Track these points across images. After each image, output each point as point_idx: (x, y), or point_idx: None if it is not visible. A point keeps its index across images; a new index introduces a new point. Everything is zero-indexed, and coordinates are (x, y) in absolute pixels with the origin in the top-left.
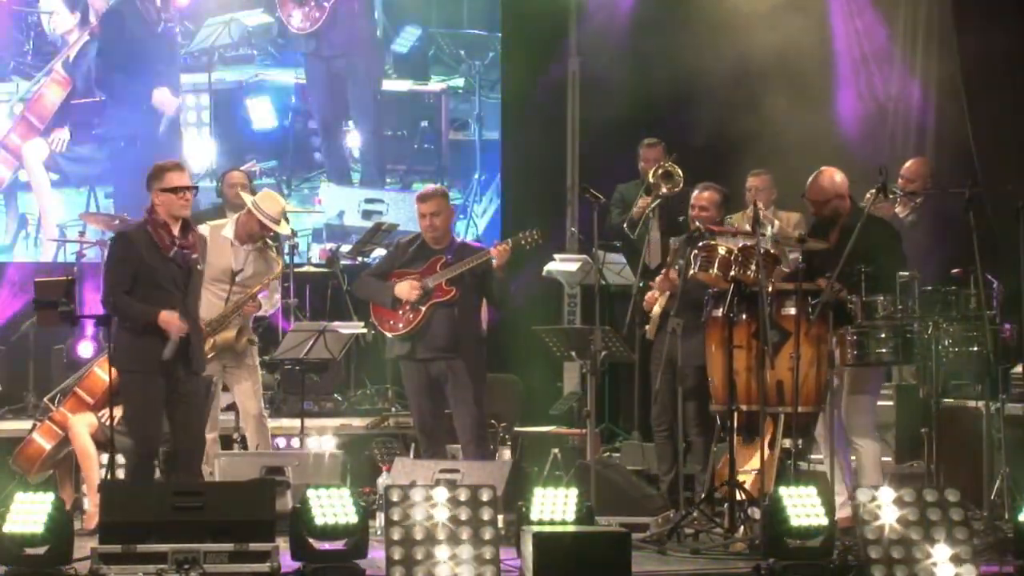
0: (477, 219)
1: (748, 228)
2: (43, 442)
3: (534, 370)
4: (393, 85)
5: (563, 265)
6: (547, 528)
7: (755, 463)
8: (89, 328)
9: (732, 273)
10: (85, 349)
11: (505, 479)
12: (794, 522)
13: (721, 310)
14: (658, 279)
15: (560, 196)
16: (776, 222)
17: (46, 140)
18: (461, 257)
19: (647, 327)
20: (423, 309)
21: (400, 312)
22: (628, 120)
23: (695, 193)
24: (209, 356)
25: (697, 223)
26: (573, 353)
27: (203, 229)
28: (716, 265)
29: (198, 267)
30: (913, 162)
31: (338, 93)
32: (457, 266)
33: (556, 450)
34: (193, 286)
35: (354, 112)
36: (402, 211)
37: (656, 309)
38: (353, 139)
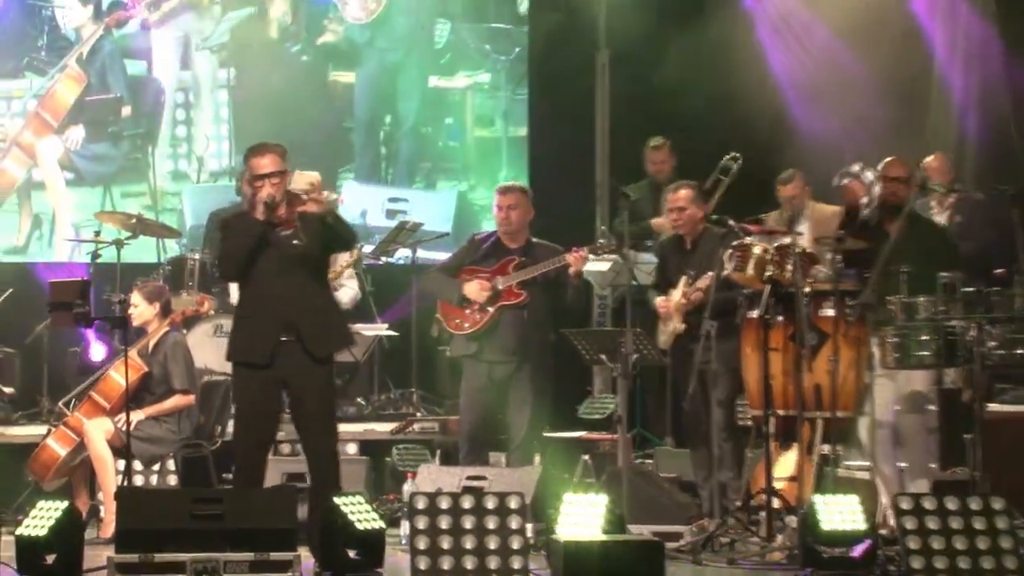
0: None
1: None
2: (58, 448)
3: (563, 374)
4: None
5: (593, 265)
6: (577, 537)
7: (793, 470)
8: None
9: (768, 273)
10: (97, 352)
11: (534, 486)
12: (832, 530)
13: (756, 312)
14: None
15: (589, 194)
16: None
17: (60, 138)
18: (535, 259)
19: (661, 336)
20: (491, 310)
21: (467, 311)
22: (661, 114)
23: (668, 195)
24: None
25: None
26: (603, 356)
27: None
28: (751, 265)
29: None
30: (935, 157)
31: (385, 87)
32: (530, 269)
33: (586, 456)
34: None
35: (400, 108)
36: (426, 210)
37: (674, 326)
38: (390, 136)
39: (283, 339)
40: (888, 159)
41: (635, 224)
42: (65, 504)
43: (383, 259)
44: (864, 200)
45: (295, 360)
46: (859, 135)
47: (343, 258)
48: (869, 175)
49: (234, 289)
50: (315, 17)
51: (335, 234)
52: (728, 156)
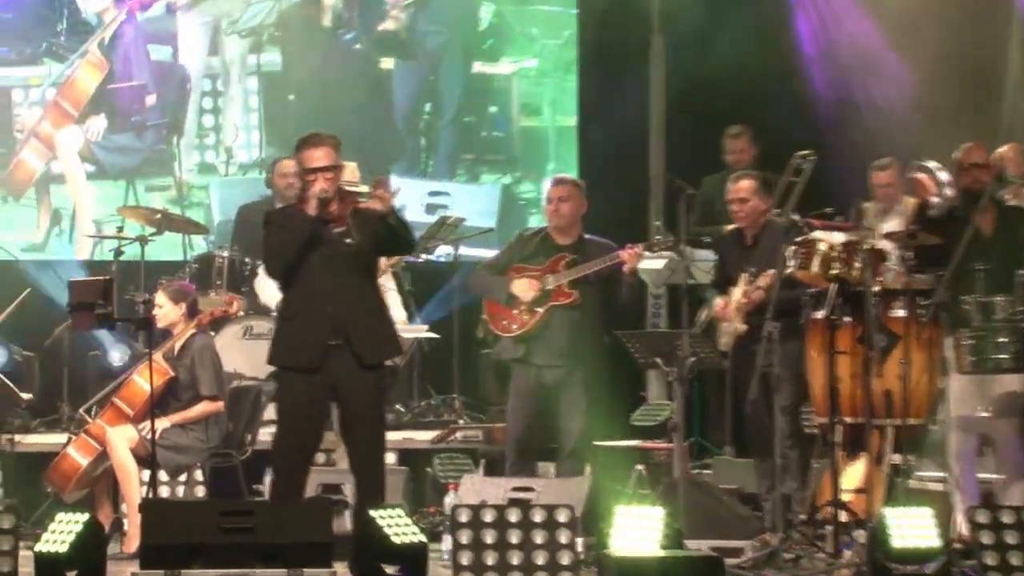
0: None
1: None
2: (79, 457)
3: (616, 378)
4: None
5: (647, 263)
6: (631, 552)
7: (861, 481)
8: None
9: (834, 271)
10: (117, 356)
11: (584, 498)
12: (904, 545)
13: (822, 312)
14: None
15: (643, 187)
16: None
17: (81, 128)
18: (588, 257)
19: (721, 338)
20: (540, 311)
21: (515, 311)
22: (719, 101)
23: (729, 186)
24: None
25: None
26: (658, 360)
27: None
28: (816, 262)
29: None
30: (1011, 147)
31: (426, 73)
32: (582, 267)
33: (640, 466)
34: None
35: (442, 95)
36: (469, 204)
37: (734, 327)
38: (430, 126)
39: (332, 343)
40: (967, 145)
41: (707, 221)
42: (86, 517)
43: (423, 256)
44: (934, 199)
45: (344, 365)
46: (923, 118)
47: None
48: (944, 175)
49: (262, 289)
50: (374, 3)
51: (395, 235)
52: (799, 155)
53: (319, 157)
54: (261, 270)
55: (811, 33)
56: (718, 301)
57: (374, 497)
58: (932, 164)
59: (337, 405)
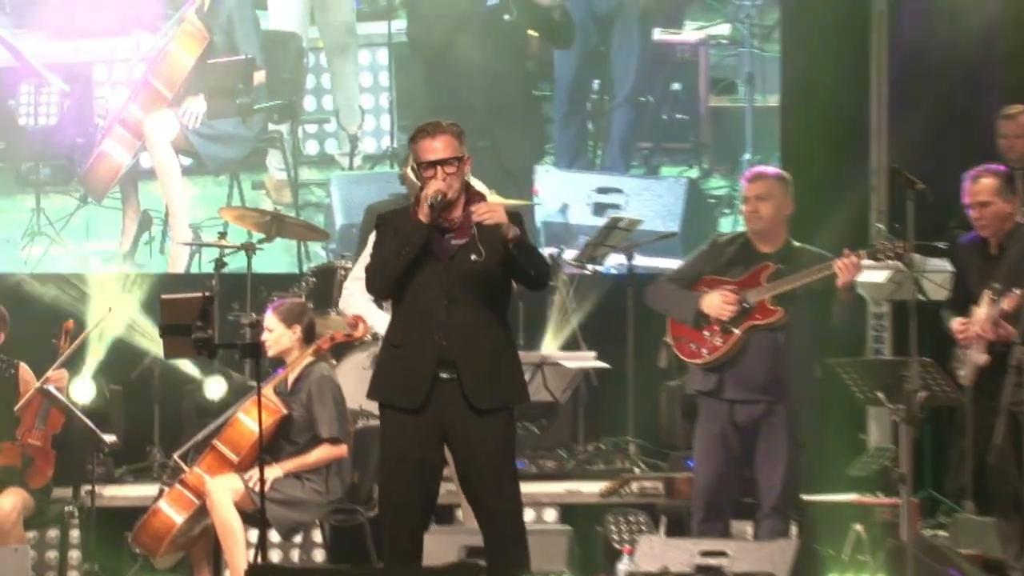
0: None
1: None
2: (173, 514)
3: (827, 417)
4: None
5: (867, 275)
6: None
7: None
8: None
9: None
10: (215, 390)
11: (790, 565)
12: None
13: None
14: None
15: (861, 181)
16: None
17: (176, 113)
18: (796, 267)
19: (960, 370)
20: (737, 332)
21: (706, 333)
22: (959, 77)
23: (967, 186)
24: None
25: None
26: (881, 394)
27: None
28: None
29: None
30: None
31: (594, 44)
32: (788, 279)
33: (859, 526)
34: None
35: (613, 70)
36: (646, 203)
37: (975, 355)
38: (599, 107)
39: (442, 376)
40: None
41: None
42: None
43: (590, 267)
44: None
45: (456, 406)
46: None
47: None
48: None
49: (349, 307)
50: None
51: (519, 268)
52: None
53: (437, 148)
54: (349, 283)
55: None
56: (956, 324)
57: (509, 565)
58: None
59: (451, 451)
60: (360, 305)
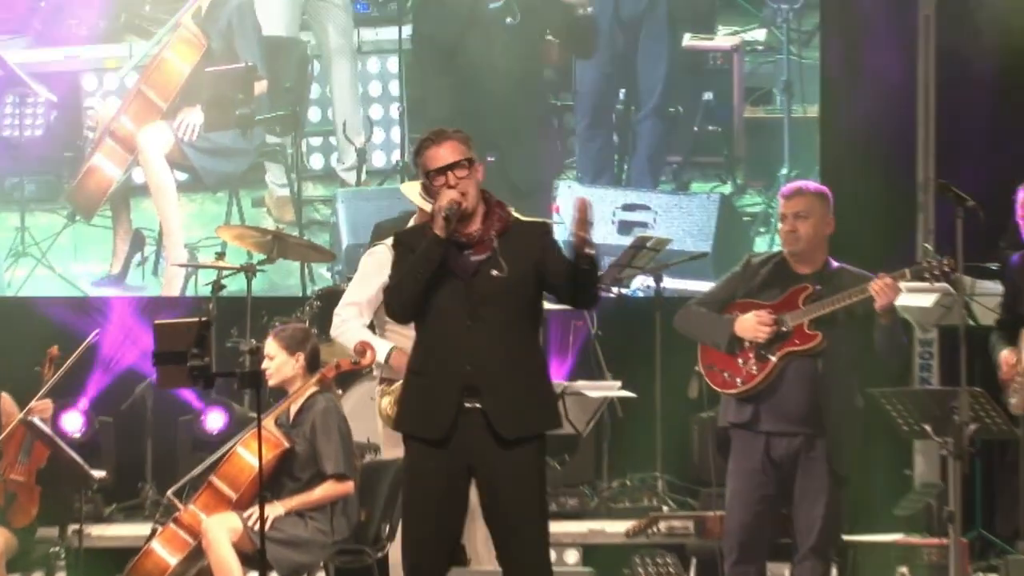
0: None
1: None
2: (167, 555)
3: (870, 452)
4: None
5: (913, 298)
6: None
7: None
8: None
9: None
10: (214, 421)
11: None
12: None
13: None
14: None
15: (907, 198)
16: None
17: (170, 124)
18: (836, 289)
19: (1012, 399)
20: (773, 359)
21: (740, 361)
22: (1010, 86)
23: (1019, 201)
24: None
25: None
26: (928, 427)
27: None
28: None
29: None
30: None
31: (620, 50)
32: (827, 302)
33: (904, 568)
34: None
35: (640, 78)
36: (675, 221)
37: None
38: (624, 118)
39: (466, 405)
40: None
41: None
42: None
43: (615, 289)
44: None
45: (480, 435)
46: None
47: None
48: None
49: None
50: None
51: (584, 284)
52: None
53: (445, 154)
54: (341, 309)
55: None
56: (1005, 354)
57: None
58: None
59: (476, 486)
60: (355, 331)
